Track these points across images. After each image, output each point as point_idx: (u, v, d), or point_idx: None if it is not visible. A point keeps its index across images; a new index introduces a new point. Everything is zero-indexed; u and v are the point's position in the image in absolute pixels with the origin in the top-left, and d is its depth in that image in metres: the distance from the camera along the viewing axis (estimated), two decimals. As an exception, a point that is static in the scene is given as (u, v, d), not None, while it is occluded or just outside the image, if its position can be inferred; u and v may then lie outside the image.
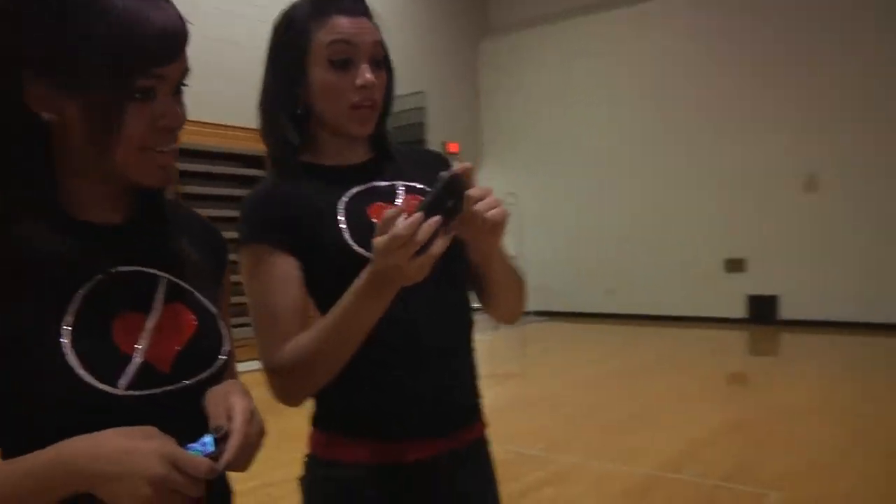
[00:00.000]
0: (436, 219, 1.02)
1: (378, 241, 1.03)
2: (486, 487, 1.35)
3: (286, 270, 1.21)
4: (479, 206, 1.09)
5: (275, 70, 1.28)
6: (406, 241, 1.01)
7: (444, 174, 1.05)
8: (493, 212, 1.11)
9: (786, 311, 9.70)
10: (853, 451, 4.39)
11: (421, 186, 1.31)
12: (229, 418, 0.87)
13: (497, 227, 1.12)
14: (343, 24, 1.22)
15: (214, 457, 0.82)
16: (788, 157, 9.59)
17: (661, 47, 10.55)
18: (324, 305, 1.20)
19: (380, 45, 1.26)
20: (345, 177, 1.29)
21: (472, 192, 1.08)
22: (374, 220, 1.22)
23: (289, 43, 1.26)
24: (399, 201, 1.28)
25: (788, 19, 9.59)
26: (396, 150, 1.37)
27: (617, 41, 10.96)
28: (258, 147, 1.45)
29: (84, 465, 0.77)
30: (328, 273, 1.21)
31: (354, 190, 1.28)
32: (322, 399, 1.28)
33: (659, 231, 10.62)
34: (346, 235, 1.22)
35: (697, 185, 10.28)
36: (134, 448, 0.77)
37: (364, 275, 1.09)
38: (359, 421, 1.24)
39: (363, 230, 1.21)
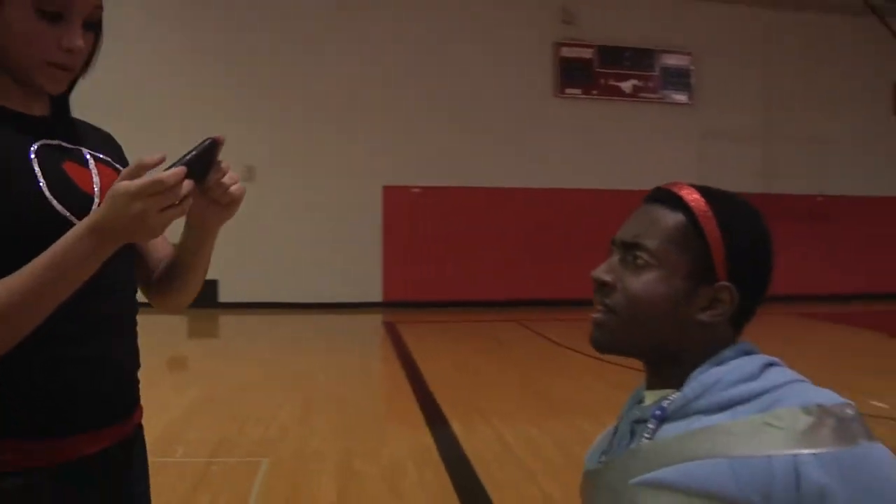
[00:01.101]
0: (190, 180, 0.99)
1: (128, 184, 0.95)
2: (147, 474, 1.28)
3: None
4: (226, 179, 1.10)
5: None
6: (168, 188, 0.95)
7: (207, 139, 1.05)
8: (236, 186, 1.12)
9: (224, 295, 10.21)
10: (312, 414, 4.97)
11: (107, 158, 1.19)
12: None
13: (236, 202, 1.13)
14: None
15: None
16: (230, 148, 10.01)
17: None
18: None
19: (99, 8, 1.10)
20: (27, 126, 1.10)
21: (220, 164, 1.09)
22: (73, 179, 1.09)
23: None
24: (92, 168, 1.14)
25: (254, 18, 10.13)
26: (75, 119, 1.22)
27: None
28: None
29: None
30: (12, 233, 1.01)
31: (42, 142, 1.10)
32: None
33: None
34: (46, 191, 1.05)
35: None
36: None
37: (91, 221, 0.96)
38: (23, 417, 1.03)
39: (64, 188, 1.07)
